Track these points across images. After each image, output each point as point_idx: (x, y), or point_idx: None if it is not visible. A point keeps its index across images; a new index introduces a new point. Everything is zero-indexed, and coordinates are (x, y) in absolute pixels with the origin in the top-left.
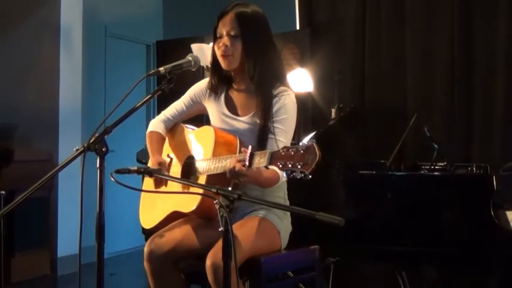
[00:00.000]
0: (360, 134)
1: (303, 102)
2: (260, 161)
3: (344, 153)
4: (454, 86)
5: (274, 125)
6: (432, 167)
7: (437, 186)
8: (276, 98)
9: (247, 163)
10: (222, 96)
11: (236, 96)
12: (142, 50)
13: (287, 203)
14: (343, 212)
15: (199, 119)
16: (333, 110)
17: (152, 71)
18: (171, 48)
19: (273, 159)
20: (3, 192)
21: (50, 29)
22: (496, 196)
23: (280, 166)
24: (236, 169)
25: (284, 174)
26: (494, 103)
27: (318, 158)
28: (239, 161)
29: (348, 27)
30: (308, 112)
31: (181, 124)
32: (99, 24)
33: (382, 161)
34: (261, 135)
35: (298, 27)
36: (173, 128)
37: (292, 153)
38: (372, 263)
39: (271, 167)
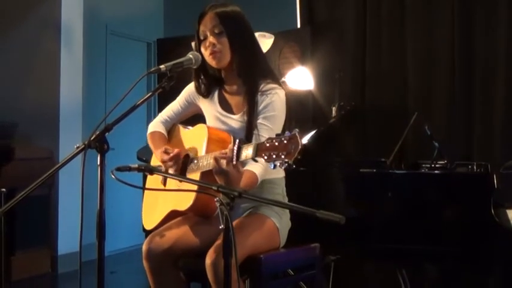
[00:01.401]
0: (361, 132)
1: (303, 100)
2: (247, 153)
3: (344, 152)
4: (455, 84)
5: (260, 121)
6: (433, 166)
7: (438, 185)
8: (264, 95)
9: (235, 157)
10: (216, 96)
11: (229, 96)
12: (143, 48)
13: (286, 199)
14: (344, 210)
15: (198, 119)
16: (334, 108)
17: (153, 69)
18: (172, 46)
19: (259, 150)
20: (3, 189)
21: (51, 27)
22: (496, 194)
23: (266, 158)
24: (222, 162)
25: (271, 166)
26: (494, 101)
27: (300, 146)
28: (224, 156)
29: (348, 26)
30: (308, 110)
31: (178, 124)
32: (100, 22)
33: (383, 159)
34: (247, 131)
35: (299, 26)
36: (170, 128)
37: (276, 143)
38: (372, 261)
39: (258, 159)
